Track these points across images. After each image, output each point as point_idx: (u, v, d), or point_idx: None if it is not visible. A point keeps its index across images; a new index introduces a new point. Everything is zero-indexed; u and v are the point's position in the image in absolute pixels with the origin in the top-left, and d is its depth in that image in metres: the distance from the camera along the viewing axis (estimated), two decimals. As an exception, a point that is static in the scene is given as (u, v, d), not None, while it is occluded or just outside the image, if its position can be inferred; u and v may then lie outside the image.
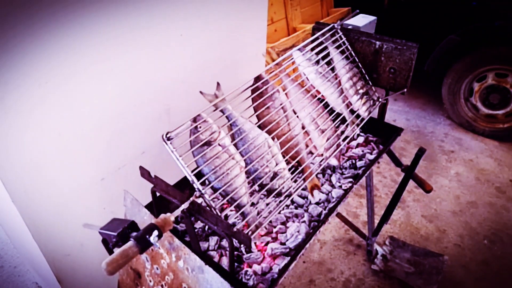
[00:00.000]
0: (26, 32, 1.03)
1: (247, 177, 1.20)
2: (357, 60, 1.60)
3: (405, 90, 1.58)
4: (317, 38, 1.51)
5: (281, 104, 1.32)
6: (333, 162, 1.43)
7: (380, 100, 1.63)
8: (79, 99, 1.26)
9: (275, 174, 1.22)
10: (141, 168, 1.08)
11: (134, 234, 0.85)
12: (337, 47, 1.57)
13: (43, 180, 1.25)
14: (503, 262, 2.23)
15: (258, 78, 1.33)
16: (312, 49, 1.50)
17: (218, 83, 1.22)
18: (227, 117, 1.21)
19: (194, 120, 1.14)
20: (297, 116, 1.38)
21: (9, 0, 0.96)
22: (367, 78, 1.62)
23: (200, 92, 1.19)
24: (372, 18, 3.03)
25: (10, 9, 0.98)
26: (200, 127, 1.12)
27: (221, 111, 1.21)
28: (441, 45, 3.20)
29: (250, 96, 1.33)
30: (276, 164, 1.22)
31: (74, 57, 1.18)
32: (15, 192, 1.18)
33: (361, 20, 2.98)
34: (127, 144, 1.51)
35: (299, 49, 1.49)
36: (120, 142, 1.47)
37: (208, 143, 1.11)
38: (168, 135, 1.02)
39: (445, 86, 3.34)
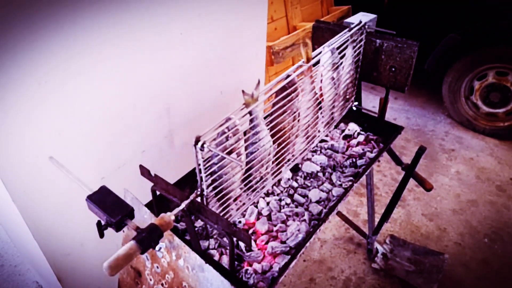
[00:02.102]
0: (26, 32, 1.03)
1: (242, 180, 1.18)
2: (359, 64, 1.58)
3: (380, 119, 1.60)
4: (343, 36, 1.38)
5: (295, 111, 1.25)
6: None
7: (352, 106, 1.68)
8: (79, 98, 1.26)
9: (261, 178, 1.21)
10: (141, 167, 1.08)
11: (136, 234, 0.83)
12: (353, 48, 1.48)
13: (43, 180, 1.25)
14: (503, 260, 2.23)
15: (290, 83, 1.17)
16: (338, 49, 1.37)
17: (259, 81, 1.09)
18: (253, 126, 1.12)
19: (227, 126, 1.02)
20: (298, 122, 1.34)
21: (10, 0, 0.96)
22: (356, 83, 1.61)
23: (242, 91, 1.08)
24: (372, 16, 3.02)
25: (11, 9, 0.98)
26: (230, 136, 1.03)
27: (251, 120, 1.12)
28: (442, 43, 3.20)
29: (272, 92, 1.20)
30: (266, 168, 1.21)
31: (74, 56, 1.18)
32: (15, 192, 1.18)
33: (361, 18, 2.97)
34: (127, 143, 1.51)
35: (331, 50, 1.34)
36: (120, 141, 1.47)
37: (229, 151, 1.05)
38: (203, 144, 0.92)
39: (446, 85, 3.33)
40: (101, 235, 0.89)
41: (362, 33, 1.48)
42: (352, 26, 1.45)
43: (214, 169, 1.03)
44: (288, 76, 1.18)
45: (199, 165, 0.97)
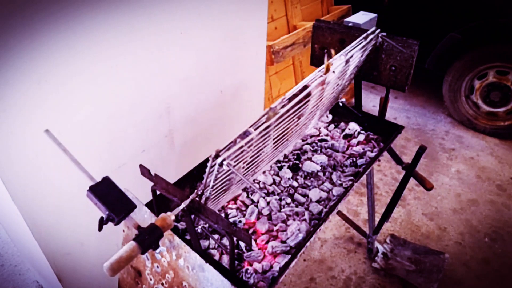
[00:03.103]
0: (26, 31, 1.03)
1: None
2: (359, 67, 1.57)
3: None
4: (359, 45, 1.33)
5: (300, 117, 1.23)
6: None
7: (340, 103, 1.70)
8: (79, 98, 1.26)
9: (252, 175, 1.21)
10: (141, 166, 1.08)
11: (138, 235, 0.83)
12: (361, 55, 1.44)
13: (43, 179, 1.25)
14: (503, 260, 2.23)
15: (308, 95, 1.13)
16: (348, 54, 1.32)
17: (285, 96, 1.07)
18: (265, 136, 1.09)
19: (246, 140, 0.99)
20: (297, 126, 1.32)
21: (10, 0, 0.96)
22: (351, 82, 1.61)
23: (270, 108, 1.04)
24: (372, 15, 3.01)
25: (11, 9, 0.97)
26: (245, 150, 1.01)
27: (266, 132, 1.08)
28: (442, 42, 3.19)
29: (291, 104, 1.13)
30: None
31: (74, 56, 1.18)
32: (15, 192, 1.18)
33: (361, 18, 2.97)
34: (127, 143, 1.51)
35: (346, 60, 1.28)
36: (120, 141, 1.47)
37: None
38: (222, 161, 0.90)
39: (446, 84, 3.33)
40: (100, 229, 0.88)
41: (372, 41, 1.48)
42: (368, 33, 1.43)
43: (222, 177, 1.03)
44: (306, 87, 1.14)
45: (211, 173, 0.96)
